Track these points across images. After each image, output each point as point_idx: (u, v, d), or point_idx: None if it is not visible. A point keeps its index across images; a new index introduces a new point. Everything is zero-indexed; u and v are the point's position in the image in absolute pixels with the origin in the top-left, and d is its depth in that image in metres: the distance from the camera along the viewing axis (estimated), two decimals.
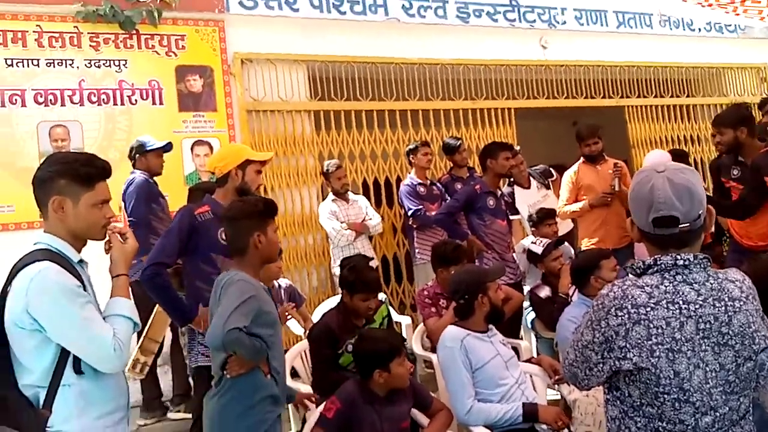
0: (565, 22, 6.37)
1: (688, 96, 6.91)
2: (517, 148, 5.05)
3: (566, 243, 4.49)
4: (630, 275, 1.52)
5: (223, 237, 2.51)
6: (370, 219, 4.92)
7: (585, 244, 4.57)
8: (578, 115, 6.55)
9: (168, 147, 4.09)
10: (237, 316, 2.00)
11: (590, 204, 4.51)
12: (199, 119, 4.95)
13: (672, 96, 6.81)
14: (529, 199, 5.03)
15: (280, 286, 3.85)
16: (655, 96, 6.70)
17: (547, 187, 5.15)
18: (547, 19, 6.29)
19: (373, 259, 4.40)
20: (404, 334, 4.06)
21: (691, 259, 1.43)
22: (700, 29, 7.01)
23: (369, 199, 5.28)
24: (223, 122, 5.02)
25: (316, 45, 5.35)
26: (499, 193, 4.39)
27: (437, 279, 3.68)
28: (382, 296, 3.34)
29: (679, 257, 1.43)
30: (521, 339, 4.05)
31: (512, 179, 5.07)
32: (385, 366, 2.38)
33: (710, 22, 7.03)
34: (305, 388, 3.07)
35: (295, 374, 3.46)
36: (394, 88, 5.69)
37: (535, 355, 3.50)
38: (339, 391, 2.44)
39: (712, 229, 2.72)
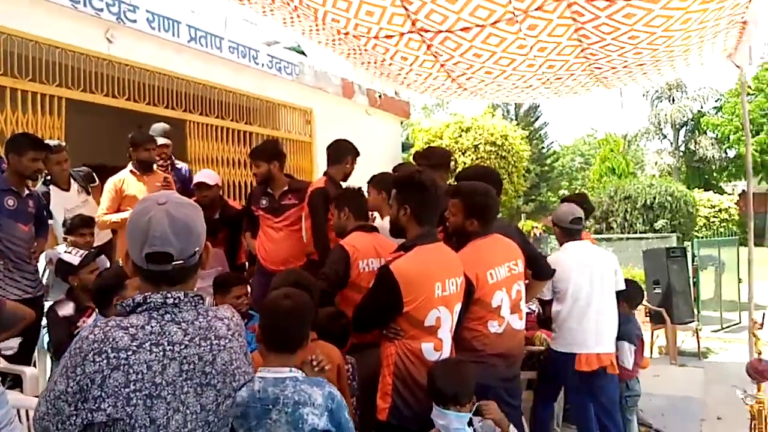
0: (135, 21, 6.03)
1: (246, 123, 7.45)
2: (58, 143, 4.45)
3: (103, 255, 4.14)
4: (116, 315, 1.38)
5: None
6: None
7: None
8: (146, 121, 6.27)
9: None
10: None
11: None
12: None
13: (233, 120, 7.22)
14: (67, 203, 4.47)
15: None
16: (217, 117, 6.98)
17: (88, 193, 4.70)
18: (117, 12, 5.84)
19: None
20: None
21: (182, 297, 1.39)
22: (263, 64, 7.67)
23: None
24: None
25: None
26: (26, 192, 3.75)
27: None
28: None
29: (169, 295, 1.37)
30: (34, 365, 3.50)
31: (50, 178, 4.43)
32: None
33: (272, 60, 7.78)
34: None
35: None
36: None
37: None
38: None
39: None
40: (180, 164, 5.39)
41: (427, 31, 3.43)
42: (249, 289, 3.72)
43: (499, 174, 3.82)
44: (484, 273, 2.72)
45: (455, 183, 3.31)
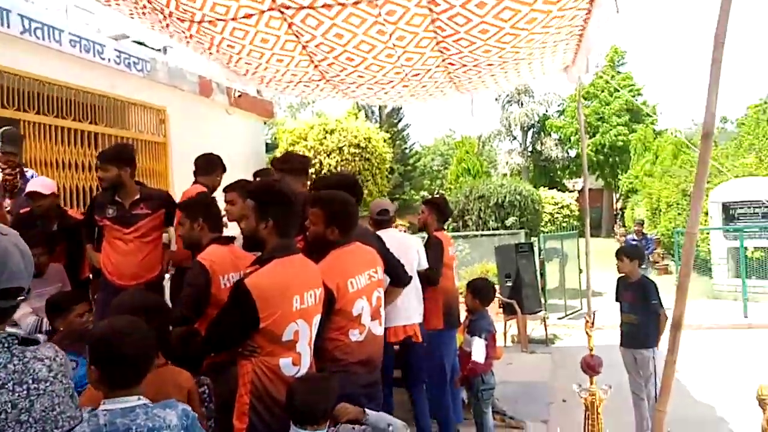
0: None
1: (92, 122, 6.85)
2: None
3: None
4: None
5: None
6: None
7: None
8: None
9: None
10: None
11: None
12: None
13: (75, 119, 6.60)
14: None
15: None
16: (57, 116, 6.34)
17: None
18: None
19: None
20: None
21: None
22: (110, 60, 7.09)
23: None
24: None
25: None
26: None
27: None
28: None
29: None
30: None
31: None
32: None
33: (120, 56, 7.22)
34: None
35: None
36: None
37: None
38: None
39: None
40: (29, 171, 4.81)
41: (288, 7, 3.34)
42: (93, 305, 3.41)
43: (357, 180, 3.86)
44: (345, 282, 2.72)
45: (315, 192, 3.28)
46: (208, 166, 4.28)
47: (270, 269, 2.35)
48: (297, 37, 3.80)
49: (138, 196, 3.94)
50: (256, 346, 2.30)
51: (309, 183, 3.98)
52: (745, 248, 11.22)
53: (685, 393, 5.96)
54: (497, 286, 9.09)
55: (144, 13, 3.73)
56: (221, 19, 3.51)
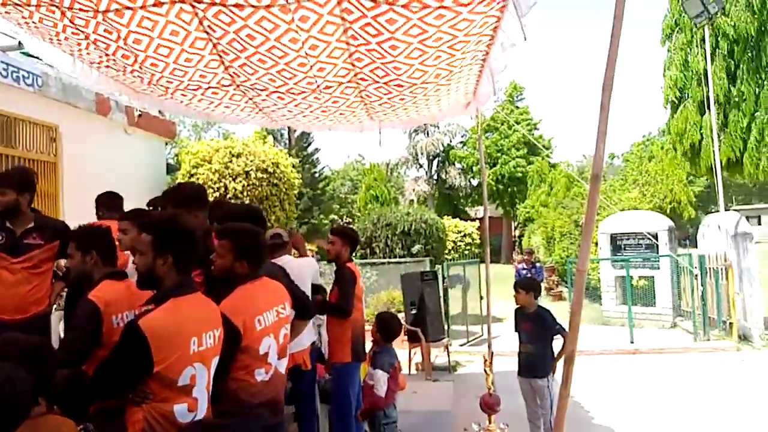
0: None
1: None
2: None
3: None
4: None
5: None
6: None
7: None
8: None
9: None
10: None
11: None
12: None
13: None
14: None
15: None
16: None
17: None
18: None
19: None
20: None
21: None
22: None
23: None
24: None
25: None
26: None
27: None
28: None
29: None
30: None
31: None
32: None
33: (8, 68, 6.71)
34: None
35: None
36: None
37: None
38: None
39: None
40: None
41: (200, 1, 3.24)
42: None
43: (261, 211, 3.78)
44: (253, 320, 2.64)
45: (221, 224, 3.17)
46: (113, 203, 4.10)
47: (166, 309, 2.23)
48: (208, 33, 3.69)
49: (32, 225, 3.67)
50: (149, 391, 2.16)
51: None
52: (631, 277, 12.06)
53: (580, 418, 6.26)
54: (402, 314, 9.20)
55: (38, 23, 3.50)
56: (129, 7, 3.33)
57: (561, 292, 17.48)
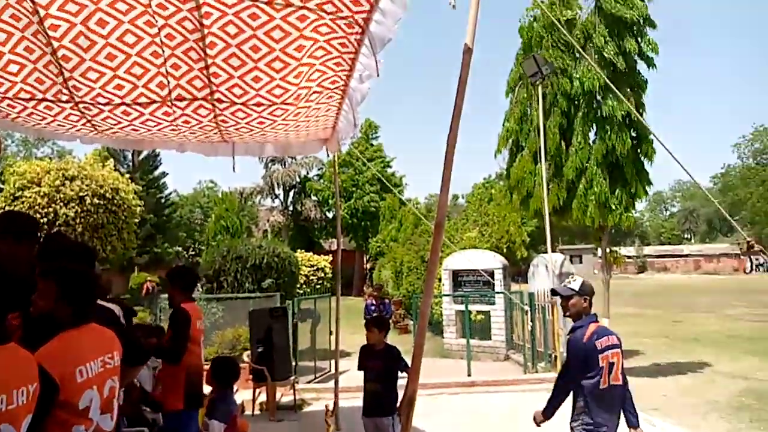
0: None
1: None
2: None
3: None
4: None
5: None
6: None
7: None
8: None
9: None
10: None
11: None
12: None
13: None
14: None
15: None
16: None
17: None
18: None
19: None
20: None
21: None
22: None
23: None
24: None
25: None
26: None
27: None
28: None
29: None
30: None
31: None
32: None
33: None
34: None
35: None
36: None
37: None
38: None
39: None
40: None
41: None
42: None
43: (94, 250, 3.49)
44: (73, 371, 2.39)
45: (49, 259, 2.87)
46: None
47: None
48: (47, 36, 3.37)
49: None
50: None
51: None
52: (470, 312, 12.83)
53: None
54: (249, 352, 8.91)
55: None
56: None
57: (407, 324, 18.08)
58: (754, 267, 47.92)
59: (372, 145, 39.86)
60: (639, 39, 10.33)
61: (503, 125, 12.13)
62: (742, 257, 58.57)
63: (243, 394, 8.99)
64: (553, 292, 4.12)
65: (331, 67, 3.79)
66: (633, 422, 3.92)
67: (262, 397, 8.67)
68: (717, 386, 9.86)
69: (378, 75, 3.73)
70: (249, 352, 8.98)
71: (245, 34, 3.49)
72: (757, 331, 16.73)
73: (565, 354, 11.49)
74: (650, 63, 10.47)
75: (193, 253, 34.38)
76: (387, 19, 3.21)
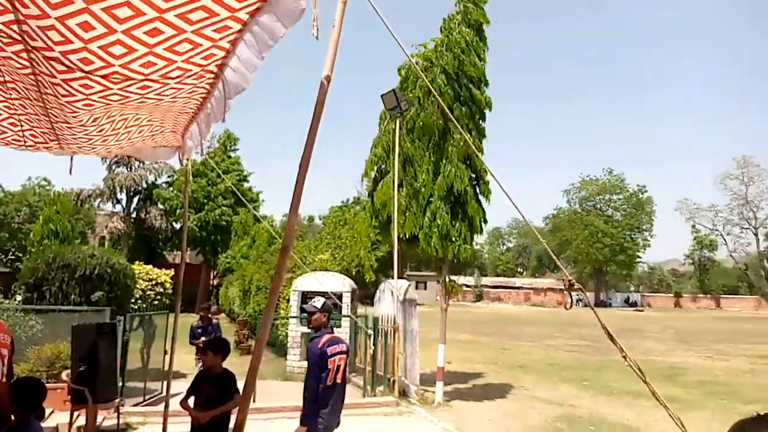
0: None
1: None
2: None
3: None
4: None
5: None
6: None
7: None
8: None
9: None
10: None
11: None
12: None
13: None
14: None
15: None
16: None
17: None
18: None
19: None
20: None
21: None
22: None
23: None
24: None
25: None
26: None
27: None
28: None
29: None
30: None
31: None
32: None
33: None
34: None
35: None
36: None
37: None
38: None
39: None
40: None
41: None
42: None
43: None
44: None
45: None
46: None
47: None
48: None
49: None
50: None
51: None
52: None
53: None
54: (68, 371, 8.09)
55: None
56: None
57: (250, 345, 17.61)
58: (573, 303, 53.59)
59: (230, 156, 38.72)
60: (480, 91, 11.32)
61: (371, 151, 12.51)
62: (564, 292, 65.10)
63: (59, 417, 8.12)
64: (302, 310, 4.48)
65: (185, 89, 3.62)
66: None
67: (81, 421, 7.88)
68: (536, 412, 10.78)
69: (224, 120, 3.67)
70: (69, 371, 8.14)
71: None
72: (572, 360, 18.62)
73: (404, 378, 11.94)
74: (482, 116, 11.50)
75: (12, 257, 30.69)
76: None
